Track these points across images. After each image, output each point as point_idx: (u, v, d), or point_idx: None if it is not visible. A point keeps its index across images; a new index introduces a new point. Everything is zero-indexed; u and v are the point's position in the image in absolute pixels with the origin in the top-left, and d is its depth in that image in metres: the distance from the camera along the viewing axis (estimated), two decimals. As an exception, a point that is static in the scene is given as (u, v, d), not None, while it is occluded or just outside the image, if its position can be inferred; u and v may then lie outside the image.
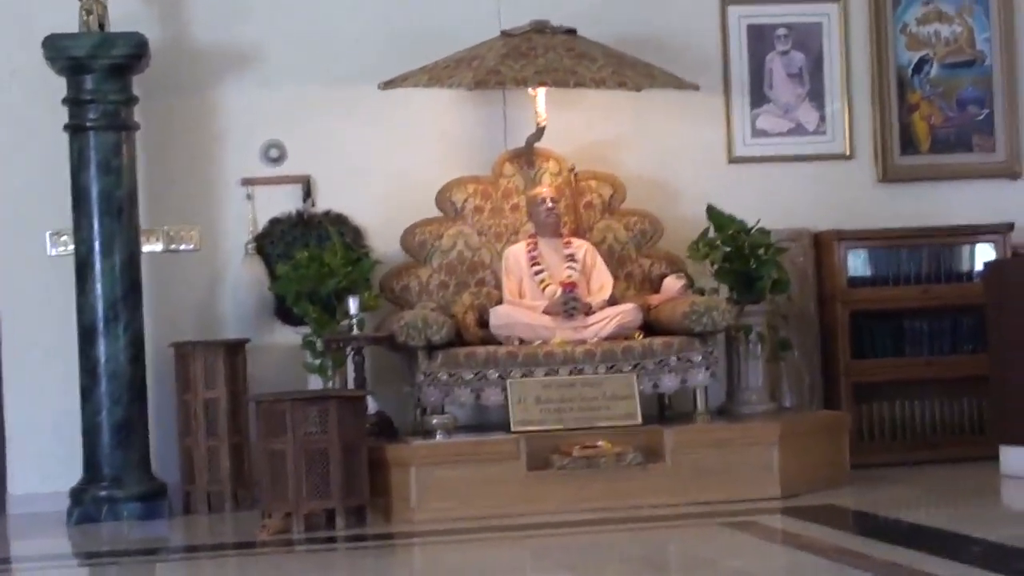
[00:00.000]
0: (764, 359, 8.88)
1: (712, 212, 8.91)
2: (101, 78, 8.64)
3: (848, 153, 9.75)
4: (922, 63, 9.81)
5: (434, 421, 8.29)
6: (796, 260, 9.36)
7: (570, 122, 9.35)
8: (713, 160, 9.64)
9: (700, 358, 8.54)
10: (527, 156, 9.23)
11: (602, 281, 8.88)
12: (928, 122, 9.80)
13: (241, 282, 9.18)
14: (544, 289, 8.78)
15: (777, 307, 9.03)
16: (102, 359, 8.62)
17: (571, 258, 8.87)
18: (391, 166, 9.34)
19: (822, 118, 9.72)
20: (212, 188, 9.28)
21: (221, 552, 7.84)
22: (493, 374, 8.44)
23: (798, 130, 9.71)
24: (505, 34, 9.09)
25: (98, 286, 8.62)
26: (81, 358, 8.67)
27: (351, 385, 8.51)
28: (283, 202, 9.30)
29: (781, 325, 9.07)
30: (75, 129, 8.69)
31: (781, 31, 9.69)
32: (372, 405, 8.47)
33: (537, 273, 8.83)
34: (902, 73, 9.79)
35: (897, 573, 6.19)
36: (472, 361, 8.48)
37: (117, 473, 8.61)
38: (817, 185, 9.69)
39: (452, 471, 8.00)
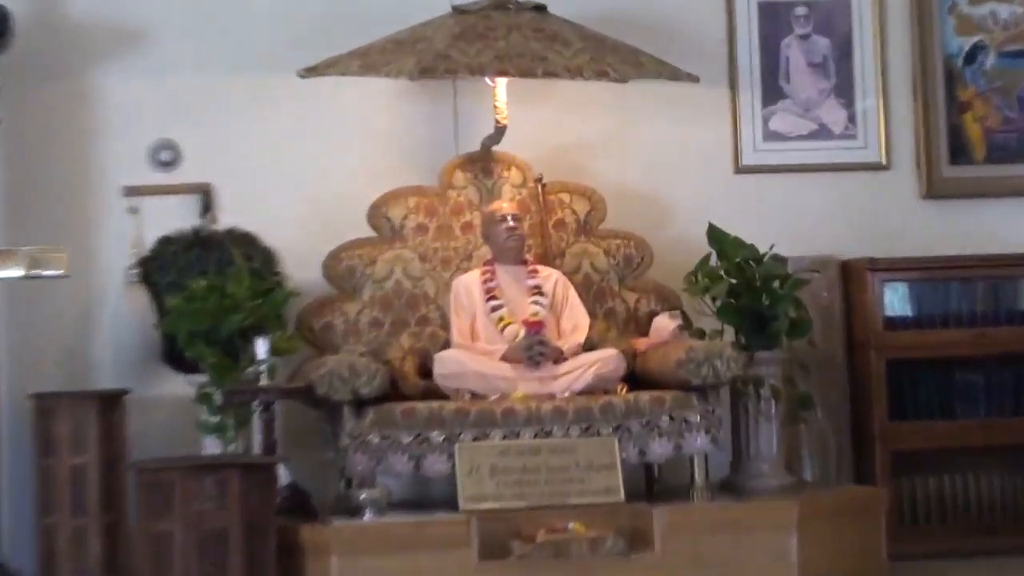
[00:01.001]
0: (779, 420, 8.29)
1: (714, 234, 8.36)
2: (-49, 58, 8.04)
3: (884, 162, 9.18)
4: (976, 51, 9.24)
5: (362, 496, 7.71)
6: (820, 295, 8.82)
7: (538, 121, 8.87)
8: (716, 169, 9.13)
9: (698, 418, 7.92)
10: (483, 163, 8.75)
11: (576, 320, 8.34)
12: (983, 125, 9.21)
13: (121, 318, 8.65)
14: (503, 330, 8.20)
15: (795, 354, 8.42)
16: (-57, 412, 8.05)
17: (537, 291, 8.30)
18: (312, 174, 8.85)
19: (851, 118, 9.15)
20: (87, 198, 8.78)
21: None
22: (437, 437, 7.83)
23: (821, 133, 9.16)
24: (457, 10, 8.58)
25: (-59, 319, 8.06)
26: (-83, 410, 8.12)
27: (258, 450, 7.99)
28: (176, 217, 8.75)
29: (801, 377, 8.47)
30: (-84, 119, 8.12)
31: (800, 11, 9.18)
32: (284, 475, 7.90)
33: (494, 309, 8.25)
34: (951, 64, 9.23)
35: None
36: (411, 420, 7.86)
37: (-45, 558, 8.04)
38: (845, 202, 9.14)
39: (384, 560, 7.42)
